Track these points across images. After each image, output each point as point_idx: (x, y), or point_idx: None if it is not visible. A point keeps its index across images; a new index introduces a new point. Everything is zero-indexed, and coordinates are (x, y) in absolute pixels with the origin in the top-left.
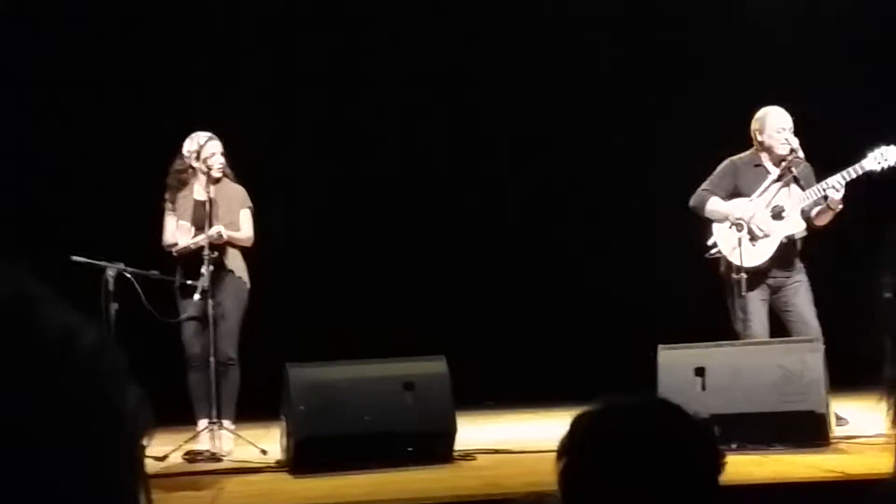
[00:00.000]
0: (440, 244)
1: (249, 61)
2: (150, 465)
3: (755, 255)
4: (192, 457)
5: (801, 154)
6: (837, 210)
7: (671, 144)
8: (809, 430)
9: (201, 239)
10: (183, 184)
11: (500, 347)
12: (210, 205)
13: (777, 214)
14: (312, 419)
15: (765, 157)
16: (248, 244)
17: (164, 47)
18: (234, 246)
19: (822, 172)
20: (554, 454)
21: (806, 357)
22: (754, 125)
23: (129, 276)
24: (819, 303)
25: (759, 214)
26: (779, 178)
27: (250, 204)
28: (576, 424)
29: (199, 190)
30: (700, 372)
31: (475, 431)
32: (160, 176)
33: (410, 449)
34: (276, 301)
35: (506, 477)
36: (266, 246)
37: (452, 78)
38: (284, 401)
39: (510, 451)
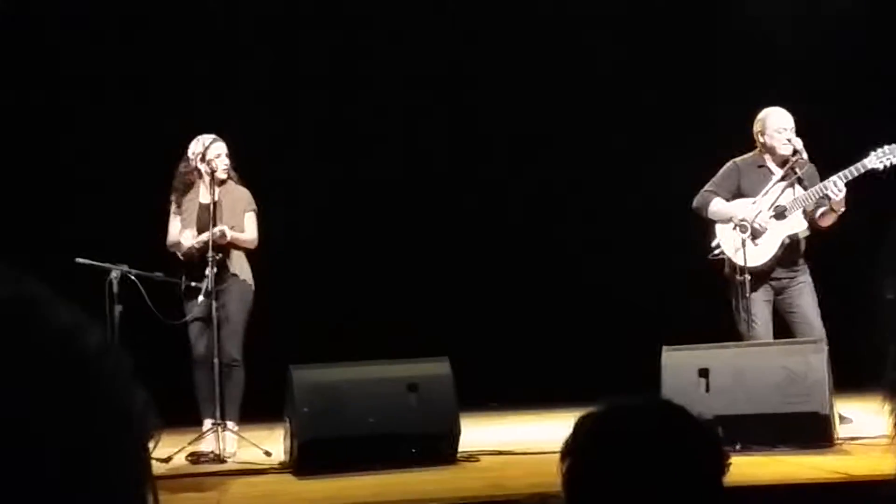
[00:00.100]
0: (443, 245)
1: (249, 61)
2: (155, 467)
3: (758, 256)
4: (195, 458)
5: (804, 155)
6: (840, 211)
7: (671, 144)
8: (813, 432)
9: (205, 237)
10: (189, 186)
11: (503, 349)
12: (214, 208)
13: (780, 214)
14: (316, 421)
15: (768, 158)
16: (252, 246)
17: (164, 47)
18: (238, 248)
19: (822, 172)
20: (558, 455)
21: (810, 358)
22: (756, 126)
23: (133, 278)
24: (822, 303)
25: (762, 215)
26: (782, 179)
27: (255, 206)
28: (579, 426)
29: (203, 192)
30: (704, 373)
31: (479, 433)
32: (161, 177)
33: (414, 450)
34: (279, 303)
35: (509, 478)
36: (269, 247)
37: (452, 78)
38: (288, 402)
39: (514, 452)
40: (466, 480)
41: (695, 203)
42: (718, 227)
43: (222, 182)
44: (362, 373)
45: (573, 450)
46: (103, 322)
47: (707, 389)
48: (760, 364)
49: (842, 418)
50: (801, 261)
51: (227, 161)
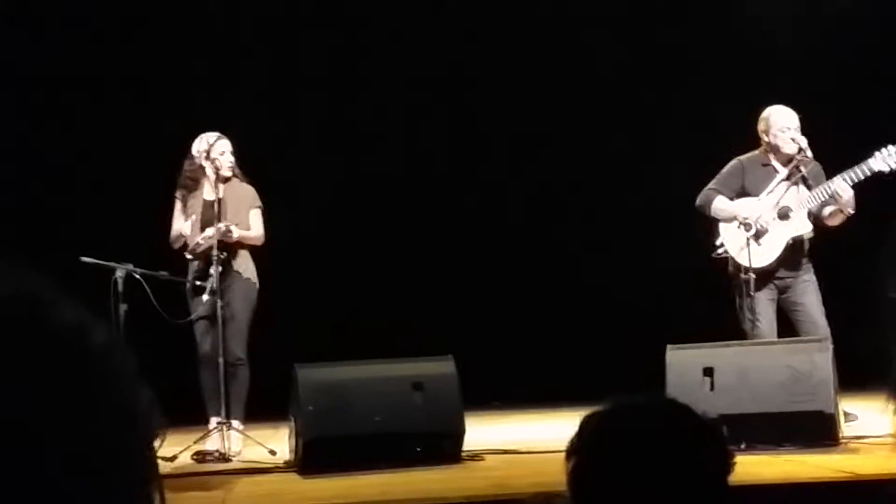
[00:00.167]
0: (447, 244)
1: (249, 61)
2: (160, 466)
3: (762, 256)
4: (201, 457)
5: (809, 153)
6: (849, 213)
7: (671, 144)
8: (818, 430)
9: (210, 233)
10: (194, 184)
11: (507, 348)
12: (219, 205)
13: (784, 215)
14: (321, 419)
15: (772, 157)
16: (259, 243)
17: (164, 47)
18: (243, 246)
19: (827, 171)
20: (563, 454)
21: (815, 357)
22: (760, 125)
23: (138, 276)
24: (827, 302)
25: (765, 215)
26: (787, 178)
27: (260, 203)
28: (584, 425)
29: (208, 190)
30: (708, 372)
31: (484, 432)
32: (164, 176)
33: (419, 449)
34: (284, 302)
35: (514, 477)
36: (273, 246)
37: (452, 78)
38: (293, 401)
39: (519, 451)
40: (471, 479)
41: (698, 201)
42: (722, 227)
43: (227, 180)
44: (367, 372)
45: (578, 449)
46: (108, 321)
47: (712, 388)
48: (765, 363)
49: (846, 415)
50: (805, 260)
51: (231, 159)
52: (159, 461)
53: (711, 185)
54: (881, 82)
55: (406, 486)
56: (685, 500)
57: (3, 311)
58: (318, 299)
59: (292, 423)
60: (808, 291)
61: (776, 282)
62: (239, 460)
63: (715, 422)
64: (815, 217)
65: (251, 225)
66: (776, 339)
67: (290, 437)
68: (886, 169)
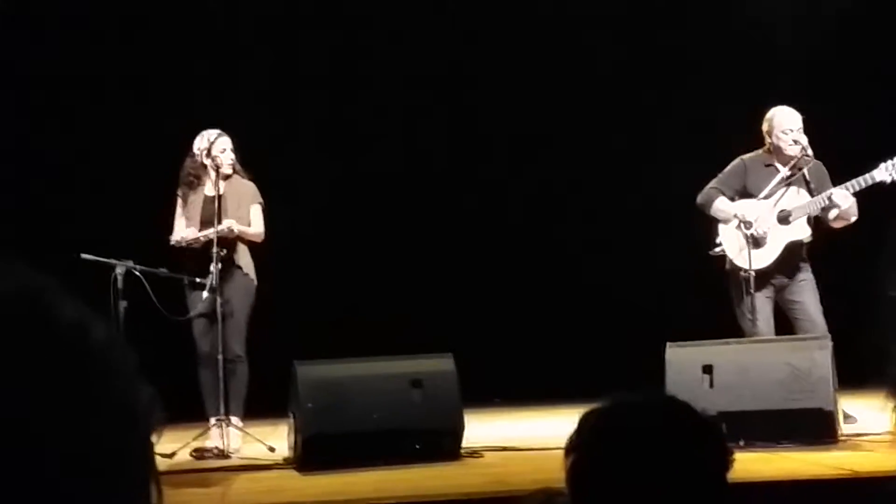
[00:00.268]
0: (446, 243)
1: (249, 61)
2: (159, 462)
3: (760, 258)
4: (200, 454)
5: (809, 152)
6: (852, 220)
7: (671, 144)
8: (817, 428)
9: (211, 233)
10: (195, 181)
11: (507, 345)
12: (219, 201)
13: (784, 219)
14: (320, 416)
15: (775, 158)
16: (259, 240)
17: (164, 47)
18: (243, 242)
19: (829, 171)
20: (562, 451)
21: (814, 354)
22: (764, 126)
23: (137, 273)
24: (826, 301)
25: (765, 217)
26: (789, 179)
27: (261, 200)
28: (584, 422)
29: (209, 187)
30: (708, 369)
31: (483, 429)
32: (164, 174)
33: (418, 446)
34: (284, 299)
35: (513, 474)
36: (273, 244)
37: (452, 78)
38: (292, 398)
39: (518, 448)
40: (470, 476)
41: (699, 199)
42: (721, 227)
43: (227, 177)
44: (366, 369)
45: (577, 446)
46: (108, 318)
47: (711, 386)
48: (764, 360)
49: (846, 417)
50: (802, 262)
51: (232, 156)
52: (158, 457)
53: (713, 183)
54: (881, 82)
55: (405, 483)
56: (684, 498)
57: (4, 308)
58: (319, 297)
59: (291, 420)
60: (805, 290)
61: (773, 281)
62: (238, 457)
63: (714, 419)
64: (817, 219)
65: (252, 221)
66: (775, 337)
67: (289, 434)
68: (889, 180)
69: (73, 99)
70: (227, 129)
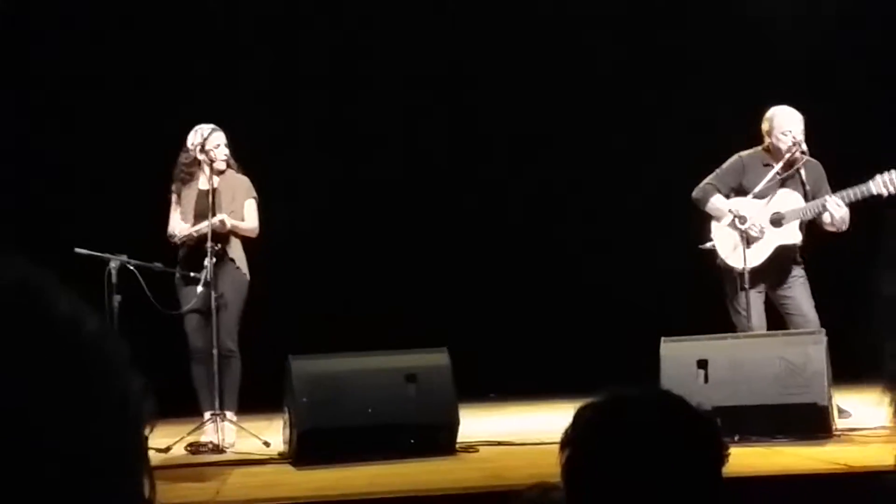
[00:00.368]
0: (443, 240)
1: (249, 61)
2: (154, 457)
3: (750, 258)
4: (195, 448)
5: (804, 147)
6: (843, 229)
7: (671, 144)
8: (812, 423)
9: (204, 226)
10: (189, 177)
11: (502, 340)
12: (213, 195)
13: (776, 222)
14: (315, 411)
15: (773, 158)
16: (254, 235)
17: (164, 47)
18: (236, 236)
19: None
20: (557, 446)
21: (809, 349)
22: (764, 125)
23: (132, 268)
24: (821, 296)
25: (758, 217)
26: (786, 180)
27: (255, 194)
28: (579, 416)
29: (204, 181)
30: (703, 364)
31: (478, 423)
32: (159, 169)
33: (413, 441)
34: (279, 294)
35: (508, 469)
36: (270, 240)
37: (452, 78)
38: (287, 393)
39: (513, 443)
40: (465, 471)
41: (695, 194)
42: (714, 226)
43: (221, 172)
44: (361, 363)
45: (573, 440)
46: (102, 312)
47: (706, 380)
48: (759, 355)
49: (841, 412)
50: (794, 263)
51: (226, 151)
52: (151, 451)
53: (710, 179)
54: (881, 82)
55: (400, 478)
56: (679, 492)
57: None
58: (314, 292)
59: (286, 415)
60: (796, 285)
61: (764, 280)
62: (233, 452)
63: (709, 414)
64: (811, 221)
65: (246, 216)
66: (770, 332)
67: (284, 429)
68: (885, 193)
69: (73, 99)
70: (227, 129)
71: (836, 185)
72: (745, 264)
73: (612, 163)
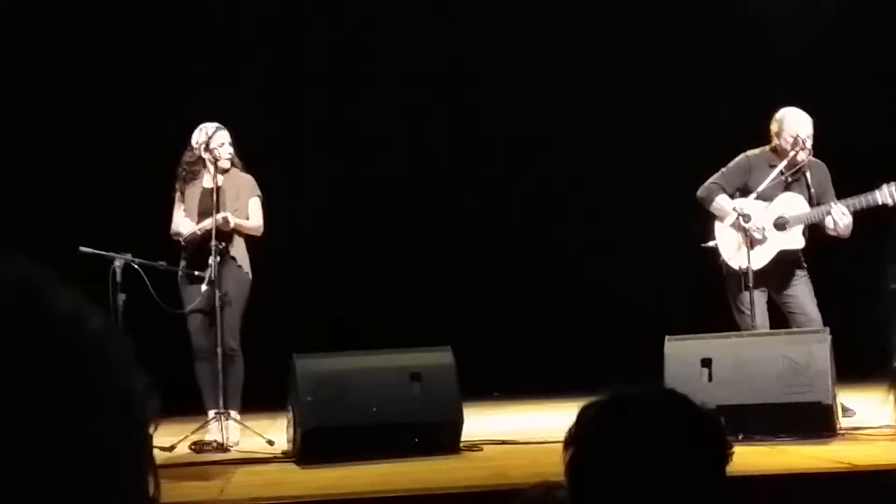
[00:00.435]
0: (447, 240)
1: (249, 61)
2: (158, 456)
3: (754, 261)
4: (199, 447)
5: (808, 143)
6: (845, 236)
7: (671, 144)
8: (816, 422)
9: (208, 224)
10: (193, 175)
11: (506, 339)
12: (217, 193)
13: (780, 226)
14: (319, 410)
15: (780, 159)
16: (258, 233)
17: (164, 47)
18: (240, 235)
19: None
20: (561, 445)
21: (812, 348)
22: (773, 126)
23: (136, 266)
24: (826, 294)
25: (762, 219)
26: (791, 183)
27: (259, 193)
28: (582, 415)
29: (208, 180)
30: (706, 363)
31: (482, 422)
32: (163, 168)
33: (417, 440)
34: (284, 293)
35: (513, 467)
36: (273, 240)
37: (452, 78)
38: (291, 391)
39: (517, 441)
40: (469, 470)
41: (700, 193)
42: (717, 225)
43: (225, 171)
44: (365, 362)
45: (576, 439)
46: (106, 311)
47: (710, 379)
48: (763, 354)
49: (845, 410)
50: (797, 265)
51: (230, 150)
52: (155, 450)
53: (716, 178)
54: (881, 82)
55: (404, 477)
56: (683, 491)
57: (1, 299)
58: (321, 291)
59: (290, 414)
60: (798, 283)
61: (766, 280)
62: (237, 450)
63: (713, 412)
64: (814, 224)
65: (250, 214)
66: (774, 331)
67: (288, 428)
68: (891, 203)
69: (73, 99)
70: (227, 129)
71: (837, 186)
72: (748, 263)
73: (612, 163)
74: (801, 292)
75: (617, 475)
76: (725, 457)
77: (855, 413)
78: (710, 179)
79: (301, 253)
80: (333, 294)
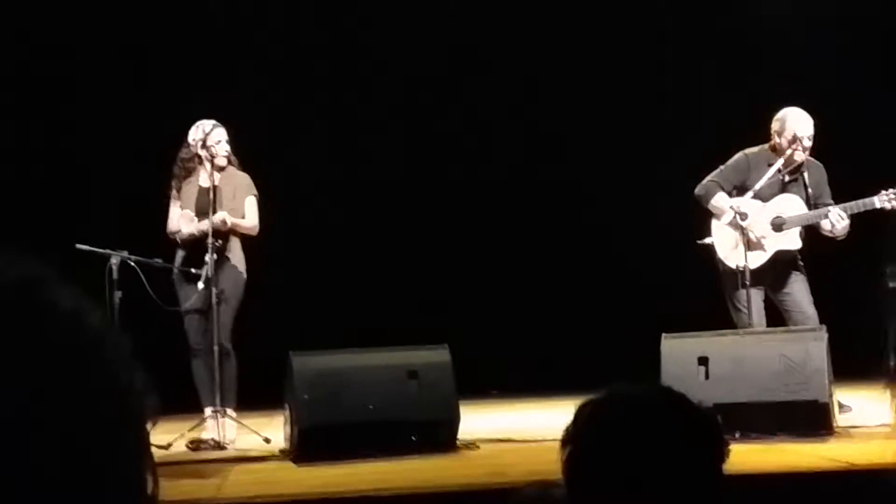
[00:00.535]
0: (443, 238)
1: (249, 61)
2: (155, 454)
3: (750, 261)
4: (195, 445)
5: (807, 144)
6: (841, 238)
7: (671, 144)
8: (813, 420)
9: (205, 225)
10: (189, 172)
11: (503, 336)
12: (214, 192)
13: (778, 227)
14: (316, 407)
15: (778, 158)
16: (254, 233)
17: (164, 47)
18: (236, 234)
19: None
20: (558, 443)
21: (809, 346)
22: (774, 125)
23: (132, 264)
24: (823, 293)
25: (758, 218)
26: (789, 183)
27: (255, 192)
28: (580, 413)
29: (204, 178)
30: (703, 361)
31: (478, 420)
32: (160, 165)
33: (414, 437)
34: (280, 290)
35: (509, 465)
36: (271, 238)
37: (452, 78)
38: (288, 389)
39: (514, 439)
40: (466, 468)
41: (698, 191)
42: (714, 224)
43: (222, 168)
44: (362, 360)
45: (573, 437)
46: (103, 308)
47: (707, 377)
48: (760, 352)
49: (841, 406)
50: (793, 266)
51: (227, 147)
52: (153, 448)
53: (714, 176)
54: (881, 82)
55: (401, 475)
56: (680, 489)
57: (2, 296)
58: (317, 288)
59: (287, 411)
60: (794, 281)
61: (762, 279)
62: (234, 448)
63: (709, 411)
64: (811, 225)
65: (246, 213)
66: (771, 329)
67: (285, 426)
68: (889, 208)
69: (72, 97)
70: (226, 129)
71: (835, 186)
72: (745, 261)
73: (612, 163)
74: (798, 290)
75: (614, 473)
76: (722, 455)
77: (851, 409)
78: (708, 177)
79: (299, 251)
80: (331, 291)
